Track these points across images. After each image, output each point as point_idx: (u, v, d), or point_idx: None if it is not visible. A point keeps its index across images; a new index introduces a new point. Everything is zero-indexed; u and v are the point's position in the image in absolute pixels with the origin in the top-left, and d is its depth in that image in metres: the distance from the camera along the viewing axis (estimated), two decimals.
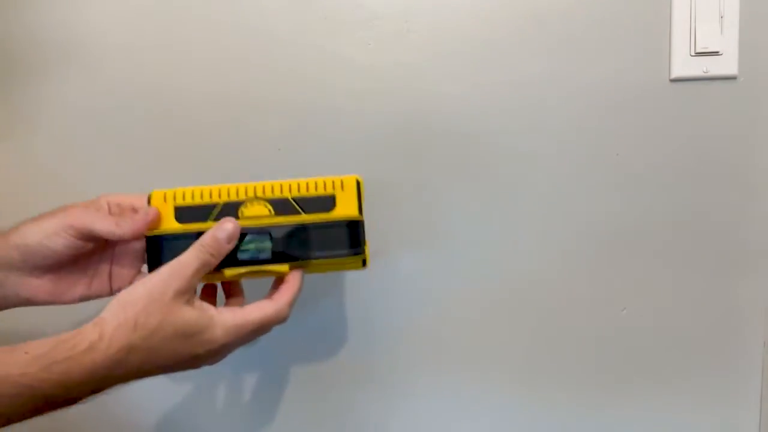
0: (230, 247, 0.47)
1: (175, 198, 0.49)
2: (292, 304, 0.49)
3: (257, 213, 0.49)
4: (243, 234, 0.48)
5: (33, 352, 0.39)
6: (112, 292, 0.52)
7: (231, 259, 0.48)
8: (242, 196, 0.49)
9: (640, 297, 0.64)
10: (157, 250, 0.48)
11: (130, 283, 0.51)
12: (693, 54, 0.60)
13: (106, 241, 0.50)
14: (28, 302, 0.50)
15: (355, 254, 0.50)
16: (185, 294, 0.44)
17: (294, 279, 0.49)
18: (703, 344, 0.64)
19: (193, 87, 0.64)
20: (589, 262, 0.64)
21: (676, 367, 0.64)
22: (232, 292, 0.53)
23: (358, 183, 0.51)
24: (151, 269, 0.48)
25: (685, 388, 0.64)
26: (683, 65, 0.60)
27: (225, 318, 0.46)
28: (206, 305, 0.46)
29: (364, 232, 0.51)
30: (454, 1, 0.62)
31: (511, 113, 0.62)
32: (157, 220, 0.49)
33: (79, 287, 0.51)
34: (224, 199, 0.49)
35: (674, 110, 0.61)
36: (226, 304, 0.52)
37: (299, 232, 0.49)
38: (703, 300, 0.63)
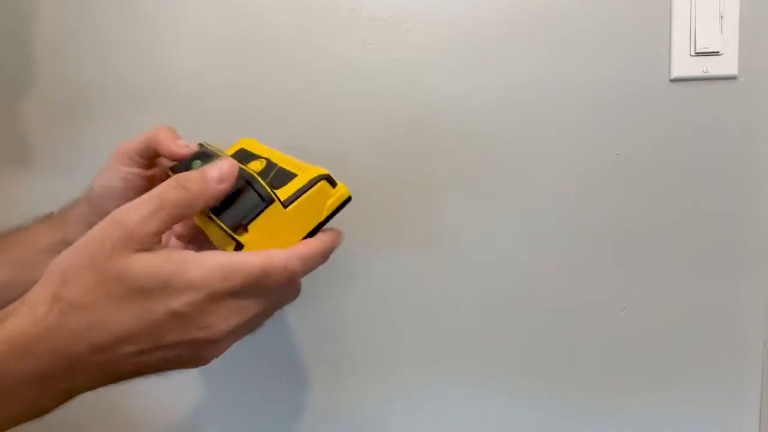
0: (222, 188, 0.37)
1: (250, 144, 0.50)
2: (307, 261, 0.37)
3: (251, 167, 0.45)
4: (207, 154, 0.45)
5: None
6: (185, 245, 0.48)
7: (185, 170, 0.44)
8: (263, 154, 0.48)
9: (640, 297, 0.64)
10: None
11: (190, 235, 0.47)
12: (693, 54, 0.60)
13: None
14: None
15: (228, 229, 0.37)
16: (130, 243, 0.33)
17: (321, 238, 0.39)
18: (703, 344, 0.64)
19: (192, 86, 0.64)
20: (589, 262, 0.64)
21: (676, 367, 0.64)
22: None
23: (319, 178, 0.41)
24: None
25: (685, 388, 0.64)
26: (683, 65, 0.60)
27: (205, 256, 0.34)
28: (179, 250, 0.35)
29: (257, 214, 0.38)
30: (453, 1, 0.62)
31: (511, 113, 0.62)
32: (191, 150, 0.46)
33: None
34: (266, 157, 0.47)
35: (674, 110, 0.61)
36: None
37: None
38: (703, 300, 0.63)
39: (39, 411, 0.33)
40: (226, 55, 0.64)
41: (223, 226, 0.37)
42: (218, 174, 0.36)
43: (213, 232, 0.40)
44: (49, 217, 0.52)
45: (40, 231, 0.50)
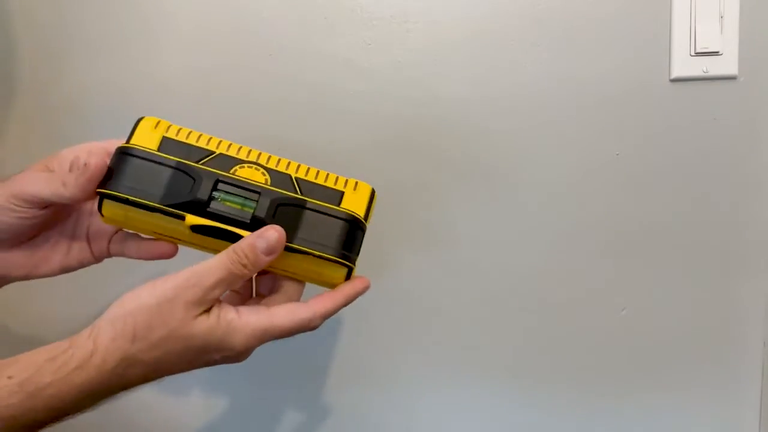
0: (269, 259, 0.40)
1: (168, 129, 0.43)
2: (326, 316, 0.42)
3: (251, 177, 0.42)
4: (228, 183, 0.41)
5: (17, 376, 0.35)
6: (94, 258, 0.47)
7: (199, 206, 0.41)
8: (241, 156, 0.43)
9: (640, 297, 0.64)
10: (122, 163, 0.41)
11: (109, 243, 0.47)
12: (693, 54, 0.60)
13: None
14: (5, 278, 0.45)
15: (342, 260, 0.43)
16: (200, 305, 0.38)
17: (343, 290, 0.44)
18: (703, 344, 0.64)
19: (190, 85, 0.64)
20: (589, 262, 0.64)
21: (676, 367, 0.64)
22: (258, 290, 0.47)
23: (373, 192, 0.46)
24: (105, 180, 0.41)
25: (685, 388, 0.64)
26: (683, 65, 0.60)
27: (247, 323, 0.40)
28: (225, 310, 0.40)
29: (361, 244, 0.45)
30: (453, 1, 0.62)
31: (511, 113, 0.62)
32: (100, 171, 0.41)
33: (57, 256, 0.46)
34: (221, 150, 0.43)
35: (674, 110, 0.61)
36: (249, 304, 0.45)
37: (293, 206, 0.42)
38: (703, 300, 0.63)
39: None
40: (226, 54, 0.64)
41: (338, 259, 0.42)
42: (267, 247, 0.40)
43: (296, 263, 0.43)
44: None
45: None
